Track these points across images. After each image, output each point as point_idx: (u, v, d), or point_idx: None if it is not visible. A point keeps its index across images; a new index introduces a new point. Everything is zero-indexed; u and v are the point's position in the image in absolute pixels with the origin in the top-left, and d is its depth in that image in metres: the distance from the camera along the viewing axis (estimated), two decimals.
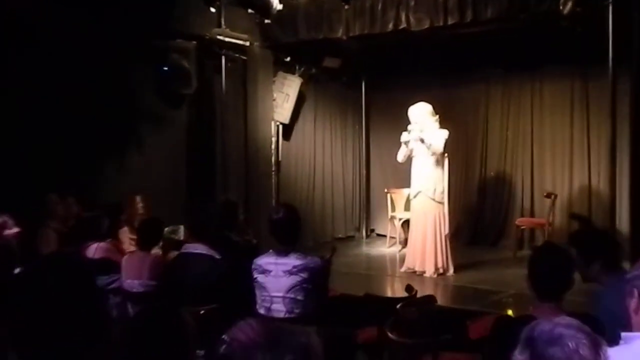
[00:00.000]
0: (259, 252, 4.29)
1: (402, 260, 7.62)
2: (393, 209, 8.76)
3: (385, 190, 8.92)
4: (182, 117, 7.30)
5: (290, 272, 3.35)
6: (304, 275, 3.36)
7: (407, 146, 7.00)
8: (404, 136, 6.98)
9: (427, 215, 6.95)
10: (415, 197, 7.08)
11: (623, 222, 6.69)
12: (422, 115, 6.96)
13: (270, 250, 3.52)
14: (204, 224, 4.02)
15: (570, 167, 8.29)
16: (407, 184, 8.96)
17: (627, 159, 6.06)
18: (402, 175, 9.40)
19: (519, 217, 8.20)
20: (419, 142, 6.90)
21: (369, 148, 10.00)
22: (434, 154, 6.85)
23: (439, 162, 6.97)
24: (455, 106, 8.62)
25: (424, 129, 6.90)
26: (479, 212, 8.87)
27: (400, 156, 7.12)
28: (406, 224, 8.91)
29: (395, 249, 8.47)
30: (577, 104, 8.22)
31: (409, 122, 7.17)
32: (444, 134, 6.92)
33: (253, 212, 7.29)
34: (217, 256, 3.87)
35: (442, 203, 6.98)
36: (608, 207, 6.42)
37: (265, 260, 3.46)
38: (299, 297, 3.39)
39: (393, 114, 9.45)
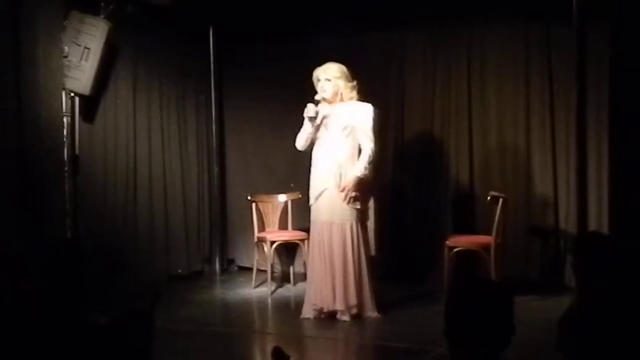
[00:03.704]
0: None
1: (279, 306, 7.95)
2: (261, 228, 8.79)
3: (249, 197, 8.89)
4: None
5: None
6: None
7: (312, 124, 7.23)
8: (310, 109, 7.19)
9: (334, 226, 7.19)
10: (317, 199, 7.34)
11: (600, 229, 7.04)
12: (337, 79, 7.24)
13: None
14: None
15: (527, 156, 8.54)
16: (283, 188, 8.99)
17: (605, 146, 6.28)
18: (277, 175, 9.47)
19: (451, 235, 8.31)
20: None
21: (223, 132, 10.01)
22: (349, 135, 7.25)
23: (357, 149, 7.29)
24: (354, 65, 8.62)
25: (333, 100, 7.25)
26: (393, 228, 8.96)
27: (301, 140, 7.38)
28: (286, 249, 8.91)
29: (266, 289, 8.48)
30: (535, 64, 8.48)
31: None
32: (369, 110, 7.25)
33: (32, 243, 6.95)
34: None
35: (360, 210, 7.29)
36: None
37: None
38: None
39: (260, 78, 9.47)
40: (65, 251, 3.33)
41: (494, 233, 7.84)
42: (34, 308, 3.80)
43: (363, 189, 7.26)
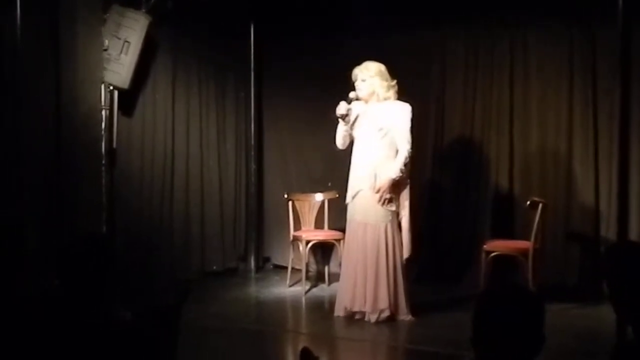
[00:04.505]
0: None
1: (313, 306, 7.97)
2: (297, 226, 8.75)
3: (285, 195, 8.87)
4: None
5: None
6: None
7: (345, 122, 7.23)
8: (341, 107, 7.16)
9: (368, 227, 7.14)
10: (353, 198, 7.29)
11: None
12: (372, 78, 7.19)
13: None
14: None
15: (568, 161, 8.42)
16: (320, 187, 8.95)
17: None
18: (315, 174, 9.43)
19: (489, 239, 8.21)
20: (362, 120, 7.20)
21: (262, 129, 9.98)
22: (385, 136, 7.17)
23: (393, 150, 7.21)
24: (394, 65, 8.57)
25: (369, 99, 7.19)
26: (431, 229, 8.92)
27: (339, 139, 7.40)
28: (322, 249, 8.86)
29: (301, 288, 8.44)
30: (578, 67, 8.38)
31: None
32: (406, 110, 7.15)
33: (67, 237, 6.99)
34: None
35: (395, 211, 7.23)
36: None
37: None
38: None
39: (300, 76, 9.46)
40: (85, 247, 3.27)
41: (532, 239, 7.75)
42: (54, 303, 3.77)
43: (398, 190, 7.17)
